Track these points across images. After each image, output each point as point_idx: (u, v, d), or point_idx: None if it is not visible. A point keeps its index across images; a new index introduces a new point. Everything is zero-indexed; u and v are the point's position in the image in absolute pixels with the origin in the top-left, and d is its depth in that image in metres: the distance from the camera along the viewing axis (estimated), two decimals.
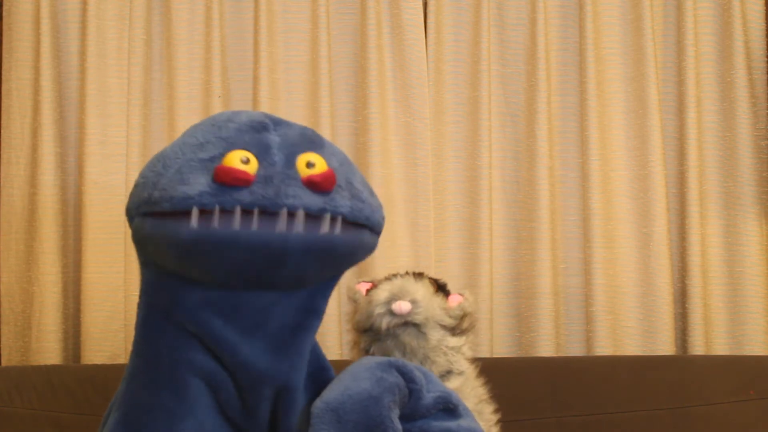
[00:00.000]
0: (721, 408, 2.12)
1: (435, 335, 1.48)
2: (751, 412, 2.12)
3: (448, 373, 1.51)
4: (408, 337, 1.47)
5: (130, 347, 2.41)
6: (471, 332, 1.55)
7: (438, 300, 1.51)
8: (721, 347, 2.39)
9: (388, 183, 2.41)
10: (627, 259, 2.39)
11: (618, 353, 2.36)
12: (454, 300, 1.55)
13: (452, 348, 1.51)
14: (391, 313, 1.45)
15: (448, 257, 2.42)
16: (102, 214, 2.36)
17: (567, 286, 2.42)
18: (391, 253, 2.39)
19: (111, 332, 2.35)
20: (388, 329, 1.46)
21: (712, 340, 2.39)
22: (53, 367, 2.25)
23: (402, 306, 1.45)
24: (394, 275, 1.56)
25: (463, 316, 1.52)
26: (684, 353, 2.38)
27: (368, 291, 1.54)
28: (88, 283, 2.34)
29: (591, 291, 2.37)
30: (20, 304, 2.39)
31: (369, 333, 1.50)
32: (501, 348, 2.40)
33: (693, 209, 2.39)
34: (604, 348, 2.35)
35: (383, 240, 2.39)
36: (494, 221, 2.41)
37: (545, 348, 2.35)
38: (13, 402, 2.14)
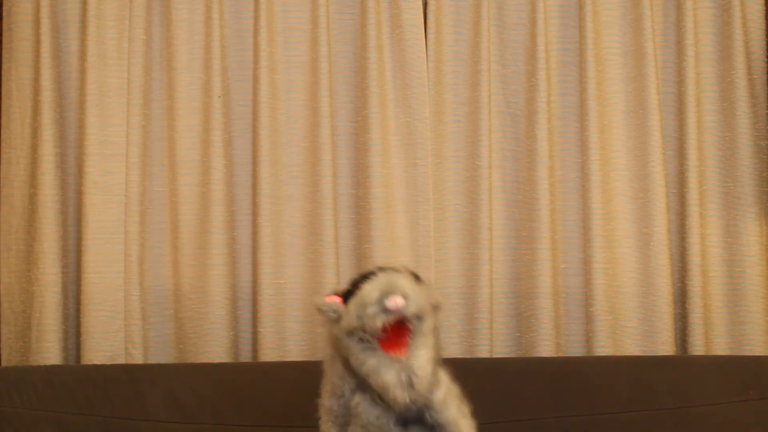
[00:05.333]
0: (721, 408, 2.11)
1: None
2: (751, 412, 2.12)
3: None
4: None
5: (129, 347, 2.42)
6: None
7: (422, 289, 1.47)
8: (721, 347, 2.39)
9: (388, 183, 2.41)
10: (627, 259, 2.39)
11: (618, 353, 2.36)
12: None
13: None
14: (385, 310, 1.44)
15: (448, 257, 2.42)
16: (102, 214, 2.35)
17: (567, 286, 2.42)
18: (391, 253, 2.39)
19: (111, 332, 2.35)
20: (380, 328, 1.45)
21: (712, 340, 2.39)
22: (53, 367, 2.25)
23: (397, 301, 1.43)
24: (365, 275, 1.51)
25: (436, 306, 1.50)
26: (684, 353, 2.38)
27: (344, 301, 1.51)
28: (88, 283, 2.34)
29: (591, 291, 2.37)
30: (20, 304, 2.38)
31: (360, 342, 1.48)
32: (501, 348, 2.40)
33: (693, 209, 2.39)
34: (604, 348, 2.35)
35: (383, 240, 2.41)
36: (494, 221, 2.41)
37: (545, 348, 2.35)
38: (13, 402, 2.14)
